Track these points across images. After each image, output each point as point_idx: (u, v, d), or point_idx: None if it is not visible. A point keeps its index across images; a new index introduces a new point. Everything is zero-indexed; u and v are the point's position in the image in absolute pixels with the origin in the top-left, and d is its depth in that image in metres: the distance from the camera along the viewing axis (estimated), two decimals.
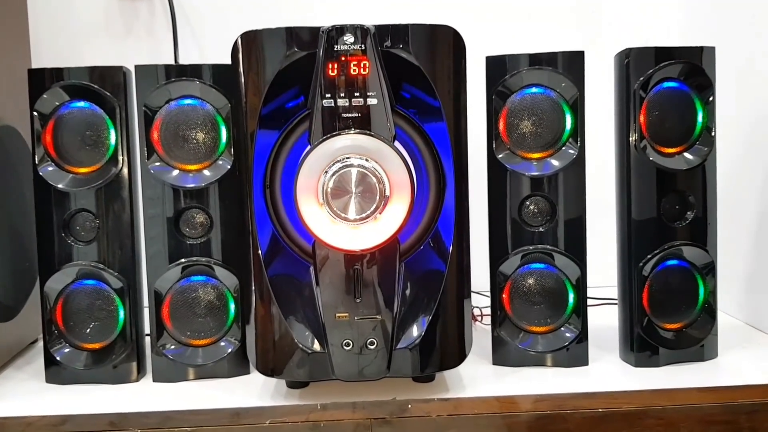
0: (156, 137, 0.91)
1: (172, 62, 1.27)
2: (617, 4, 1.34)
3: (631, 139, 0.91)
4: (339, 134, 0.79)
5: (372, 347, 0.82)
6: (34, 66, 1.10)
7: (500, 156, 0.92)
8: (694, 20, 1.27)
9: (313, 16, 1.30)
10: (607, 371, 0.92)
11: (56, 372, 0.92)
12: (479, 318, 1.11)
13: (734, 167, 1.11)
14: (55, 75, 0.90)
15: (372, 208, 0.79)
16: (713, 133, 0.93)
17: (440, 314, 0.83)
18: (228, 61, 0.83)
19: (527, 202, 0.93)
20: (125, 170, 0.91)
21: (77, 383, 0.92)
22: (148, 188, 0.91)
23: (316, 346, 0.83)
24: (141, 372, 0.94)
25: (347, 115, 0.79)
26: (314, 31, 0.80)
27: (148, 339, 0.95)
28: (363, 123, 0.80)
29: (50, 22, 1.28)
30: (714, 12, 1.21)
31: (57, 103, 0.90)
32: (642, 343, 0.92)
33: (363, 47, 0.79)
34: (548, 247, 0.93)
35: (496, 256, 0.94)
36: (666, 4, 1.33)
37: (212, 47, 1.30)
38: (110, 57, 1.27)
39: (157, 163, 0.91)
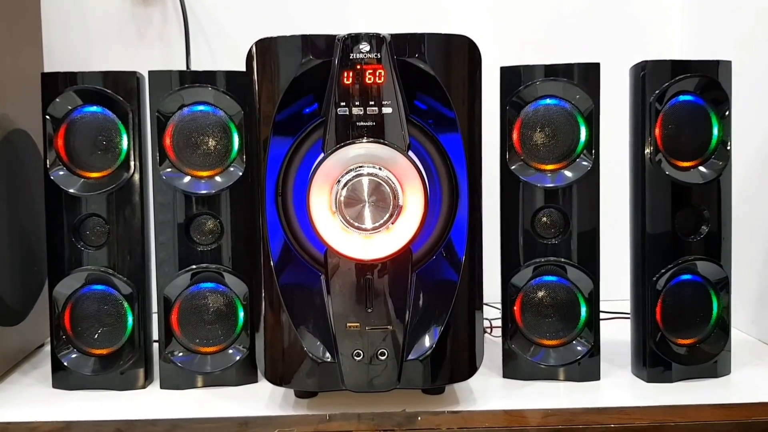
0: (168, 143, 0.90)
1: (184, 68, 1.27)
2: (633, 16, 1.34)
3: (645, 152, 0.91)
4: (353, 143, 0.79)
5: (382, 358, 0.81)
6: (46, 70, 1.10)
7: (513, 167, 0.92)
8: (707, 33, 1.27)
9: (326, 23, 1.30)
10: (619, 386, 0.92)
11: (63, 377, 0.92)
12: (489, 330, 1.10)
13: (749, 181, 1.10)
14: (69, 79, 0.90)
15: (385, 218, 0.79)
16: (729, 147, 0.92)
17: (452, 325, 0.83)
18: (240, 67, 0.83)
19: (540, 214, 0.93)
20: (137, 176, 0.91)
21: (84, 389, 0.92)
22: (160, 194, 0.91)
23: (326, 355, 0.82)
24: (148, 379, 0.93)
25: (362, 123, 0.79)
26: (330, 39, 0.79)
27: (156, 345, 0.94)
28: (377, 132, 0.79)
29: (63, 26, 1.28)
30: (727, 25, 1.20)
31: (70, 107, 0.90)
32: (655, 359, 0.91)
33: (378, 56, 0.79)
34: (561, 259, 0.92)
35: (508, 267, 0.93)
36: (679, 17, 1.33)
37: (224, 53, 1.30)
38: (122, 62, 1.27)
39: (169, 169, 0.91)
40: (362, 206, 0.79)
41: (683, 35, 1.33)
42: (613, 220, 1.02)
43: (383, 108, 0.79)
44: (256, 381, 0.93)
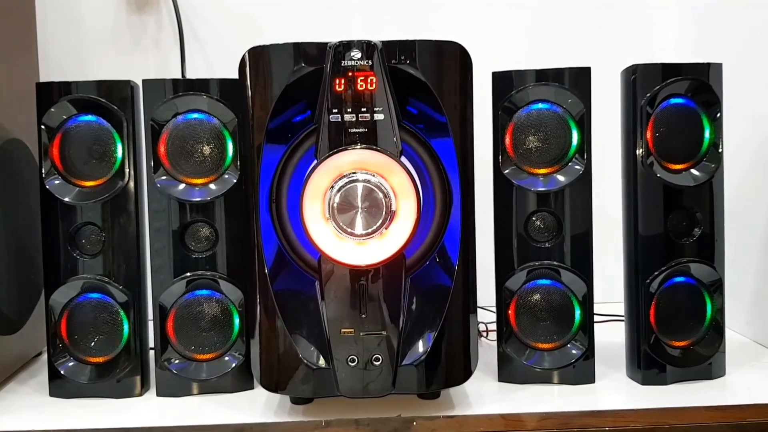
0: (163, 151, 0.91)
1: (179, 76, 1.27)
2: (624, 20, 1.35)
3: (637, 155, 0.91)
4: (346, 149, 0.79)
5: (377, 363, 0.82)
6: (41, 79, 1.11)
7: (506, 171, 0.92)
8: (702, 36, 1.27)
9: (319, 31, 1.31)
10: (614, 389, 0.92)
11: (60, 385, 0.92)
12: (484, 334, 1.10)
13: (741, 184, 1.10)
14: (63, 89, 0.91)
15: (378, 224, 0.79)
16: (720, 150, 0.92)
17: (446, 330, 0.83)
18: (235, 75, 0.83)
19: (533, 218, 0.93)
20: (131, 184, 0.91)
21: (81, 397, 0.92)
22: (154, 202, 0.92)
23: (321, 361, 0.82)
24: (145, 386, 0.93)
25: (354, 130, 0.79)
26: (321, 47, 0.80)
27: (152, 353, 0.94)
28: (370, 138, 0.80)
29: (58, 35, 1.28)
30: (722, 28, 1.21)
31: (64, 117, 0.91)
32: (649, 361, 0.92)
33: (370, 63, 0.79)
34: (554, 262, 0.92)
35: (502, 271, 0.93)
36: (674, 20, 1.34)
37: (219, 61, 1.31)
38: (117, 70, 1.27)
39: (164, 177, 0.91)
40: (355, 212, 0.79)
41: (677, 39, 1.33)
42: (606, 222, 1.02)
43: (375, 114, 0.80)
44: (252, 388, 0.93)
